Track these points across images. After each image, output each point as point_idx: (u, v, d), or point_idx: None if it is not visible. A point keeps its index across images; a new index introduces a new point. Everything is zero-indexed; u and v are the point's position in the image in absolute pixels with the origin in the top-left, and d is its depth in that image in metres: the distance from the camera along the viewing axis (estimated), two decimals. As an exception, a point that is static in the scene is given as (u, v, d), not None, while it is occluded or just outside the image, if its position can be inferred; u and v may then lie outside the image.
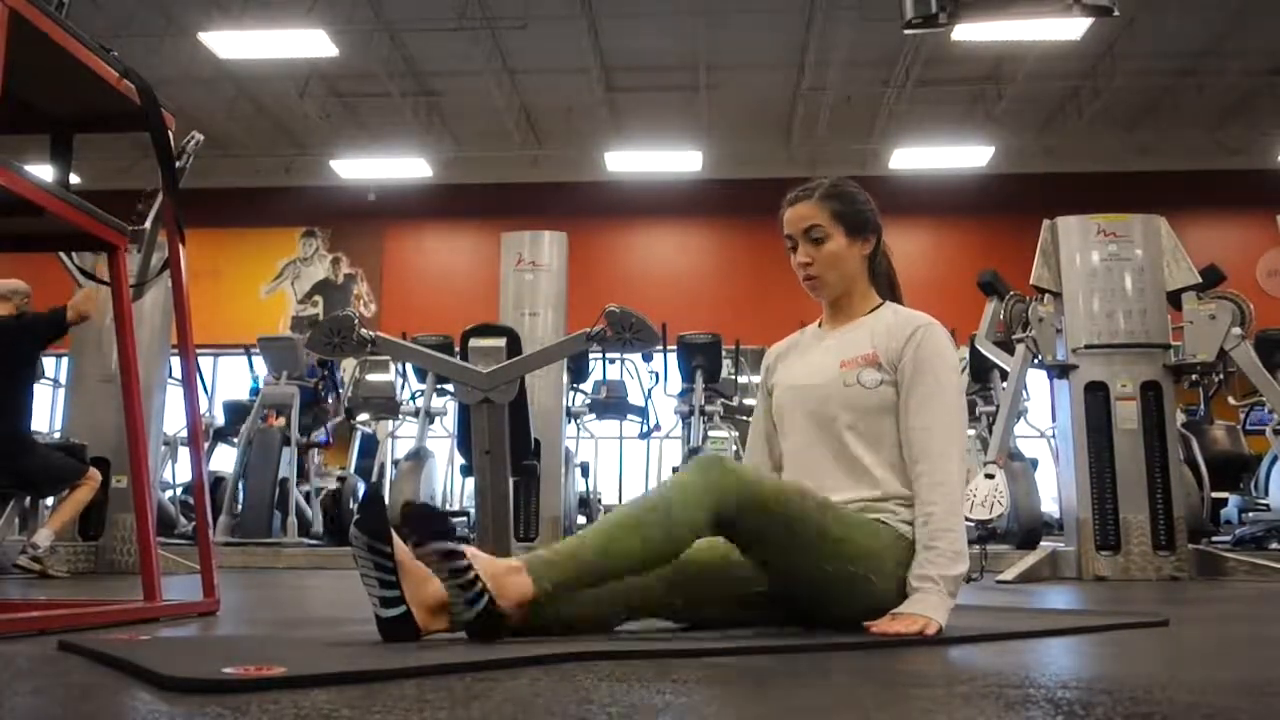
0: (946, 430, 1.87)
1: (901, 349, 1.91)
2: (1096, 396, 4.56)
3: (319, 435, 7.28)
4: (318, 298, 13.27)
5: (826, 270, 1.99)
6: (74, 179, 2.47)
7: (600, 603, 1.74)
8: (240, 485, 6.69)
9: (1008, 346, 4.94)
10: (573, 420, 7.67)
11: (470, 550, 1.58)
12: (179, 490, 7.59)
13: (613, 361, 8.60)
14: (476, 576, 1.55)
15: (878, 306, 2.04)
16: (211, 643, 1.90)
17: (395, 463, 8.22)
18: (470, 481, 4.41)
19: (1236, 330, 4.64)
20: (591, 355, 7.84)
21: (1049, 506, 6.74)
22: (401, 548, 1.56)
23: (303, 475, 7.05)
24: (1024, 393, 6.09)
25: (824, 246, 1.98)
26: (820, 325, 2.11)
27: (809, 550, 1.76)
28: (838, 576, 1.78)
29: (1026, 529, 5.92)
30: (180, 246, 2.46)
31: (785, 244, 2.03)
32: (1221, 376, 5.68)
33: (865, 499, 1.88)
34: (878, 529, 1.84)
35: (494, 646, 1.53)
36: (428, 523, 1.56)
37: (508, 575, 1.59)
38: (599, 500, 8.82)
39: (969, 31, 8.67)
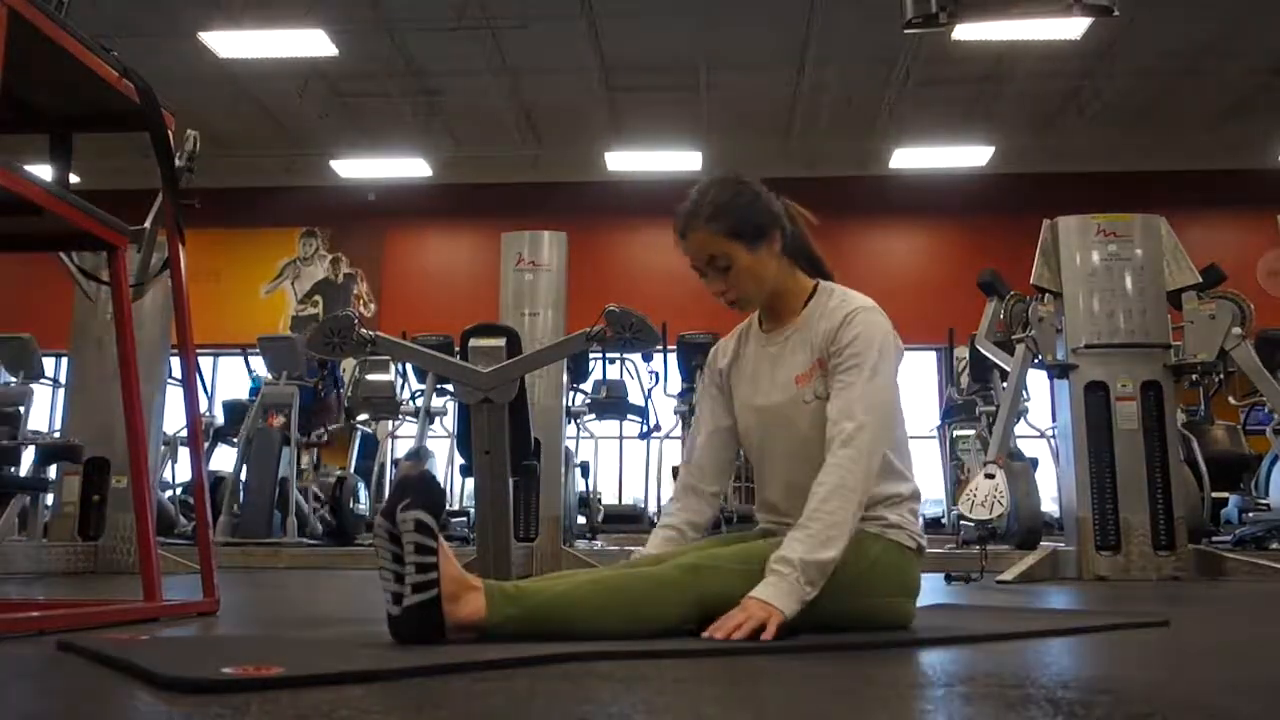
0: (863, 412, 1.77)
1: (835, 333, 1.85)
2: (1096, 396, 4.55)
3: (318, 434, 7.28)
4: (318, 297, 13.26)
5: (745, 288, 1.90)
6: (74, 179, 2.47)
7: None
8: (240, 485, 6.69)
9: (1008, 346, 4.93)
10: (573, 420, 7.66)
11: (443, 547, 1.53)
12: (179, 490, 7.59)
13: (613, 361, 8.59)
14: (435, 564, 1.51)
15: (813, 293, 1.95)
16: (211, 643, 1.90)
17: (395, 463, 8.22)
18: (470, 481, 4.40)
19: (1237, 330, 4.64)
20: (591, 355, 7.83)
21: (1049, 506, 6.74)
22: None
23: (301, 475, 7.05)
24: (1024, 393, 6.08)
25: (733, 269, 1.87)
26: (760, 323, 2.02)
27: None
28: (842, 616, 1.75)
29: (1026, 529, 5.92)
30: (180, 246, 2.46)
31: (694, 270, 1.94)
32: (1221, 376, 5.67)
33: None
34: (862, 547, 1.77)
35: (494, 647, 1.52)
36: (427, 492, 1.53)
37: (465, 590, 1.54)
38: (599, 500, 8.81)
39: (969, 31, 8.66)
